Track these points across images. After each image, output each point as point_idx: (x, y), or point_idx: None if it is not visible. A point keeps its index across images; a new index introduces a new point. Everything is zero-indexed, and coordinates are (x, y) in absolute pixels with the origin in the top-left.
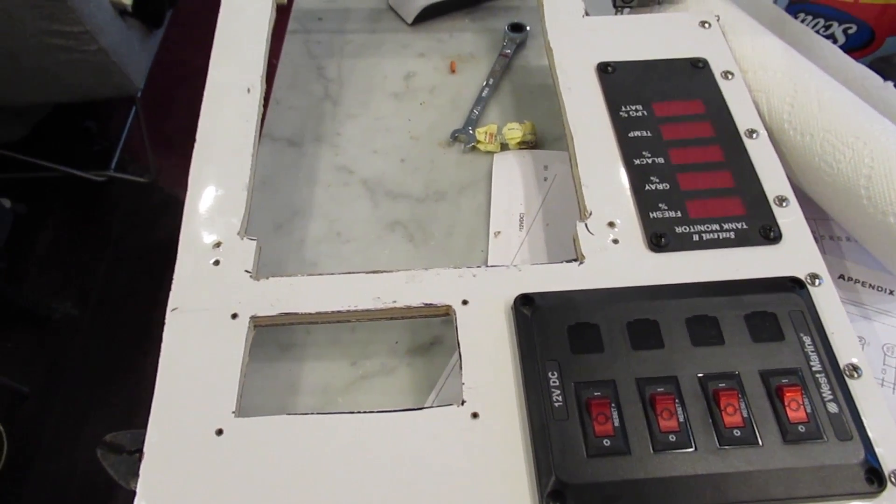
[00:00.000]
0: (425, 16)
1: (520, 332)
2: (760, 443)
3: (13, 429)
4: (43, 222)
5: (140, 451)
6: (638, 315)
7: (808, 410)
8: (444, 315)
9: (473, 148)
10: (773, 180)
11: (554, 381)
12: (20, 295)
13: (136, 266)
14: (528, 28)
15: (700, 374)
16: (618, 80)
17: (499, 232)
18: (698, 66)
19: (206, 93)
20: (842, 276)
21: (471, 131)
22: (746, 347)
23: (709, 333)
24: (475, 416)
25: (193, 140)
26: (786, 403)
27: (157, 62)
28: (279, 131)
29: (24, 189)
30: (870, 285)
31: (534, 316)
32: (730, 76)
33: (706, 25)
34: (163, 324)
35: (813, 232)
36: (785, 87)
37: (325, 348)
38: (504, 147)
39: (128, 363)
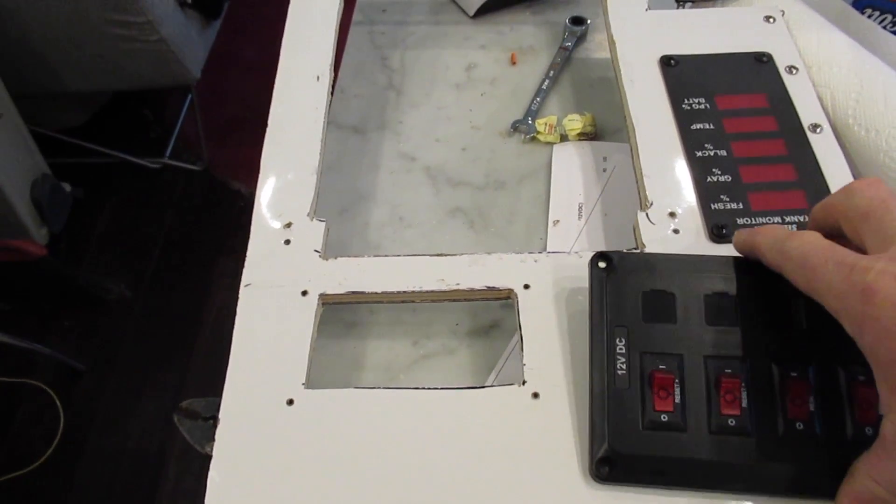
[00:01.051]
0: (486, 8)
1: (593, 291)
2: (820, 437)
3: (69, 403)
4: (100, 206)
5: (214, 418)
6: (718, 288)
7: None
8: (505, 298)
9: (533, 138)
10: (837, 175)
11: (621, 349)
12: (78, 276)
13: (188, 251)
14: (588, 21)
15: (772, 361)
16: (681, 73)
17: (558, 220)
18: (762, 61)
19: (277, 80)
20: None
21: (531, 122)
22: (826, 336)
23: (790, 316)
24: (536, 395)
25: (246, 130)
26: (859, 398)
27: (212, 53)
28: (344, 119)
29: (83, 173)
30: None
31: (609, 276)
32: (794, 71)
33: (771, 20)
34: (211, 306)
35: None
36: (850, 83)
37: (388, 328)
38: (563, 138)
39: (178, 344)
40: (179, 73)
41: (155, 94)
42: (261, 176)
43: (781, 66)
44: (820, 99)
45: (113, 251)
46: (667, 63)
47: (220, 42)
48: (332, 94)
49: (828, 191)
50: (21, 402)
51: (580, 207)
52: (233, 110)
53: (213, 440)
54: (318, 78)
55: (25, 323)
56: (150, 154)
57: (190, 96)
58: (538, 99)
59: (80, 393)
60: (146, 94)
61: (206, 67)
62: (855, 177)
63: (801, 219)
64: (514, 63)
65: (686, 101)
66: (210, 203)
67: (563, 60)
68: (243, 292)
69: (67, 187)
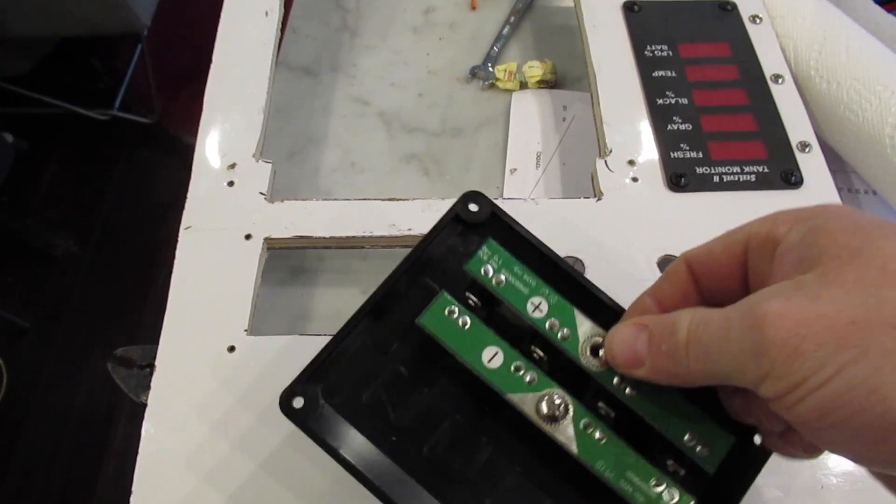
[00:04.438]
0: None
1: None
2: None
3: (13, 363)
4: (45, 158)
5: (150, 366)
6: None
7: None
8: None
9: (492, 85)
10: (797, 126)
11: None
12: (21, 230)
13: (138, 205)
14: None
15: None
16: (644, 19)
17: (515, 169)
18: (727, 9)
19: (223, 14)
20: None
21: (490, 68)
22: None
23: None
24: None
25: (199, 82)
26: None
27: (164, 2)
28: (295, 60)
29: (27, 124)
30: None
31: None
32: (758, 20)
33: None
34: (163, 263)
35: None
36: (813, 34)
37: (337, 275)
38: (523, 85)
39: (127, 301)
40: (128, 20)
41: (103, 42)
42: (204, 114)
43: (745, 15)
44: (783, 50)
45: (59, 205)
46: (630, 8)
47: None
48: (282, 32)
49: (787, 142)
50: None
51: (538, 156)
52: (186, 61)
53: (149, 388)
54: (266, 13)
55: None
56: (99, 105)
57: (140, 46)
58: (498, 45)
59: (25, 351)
60: (94, 43)
61: (157, 16)
62: (815, 128)
63: (760, 169)
64: (473, 8)
65: (649, 48)
66: (161, 157)
67: (525, 6)
68: (183, 235)
69: (10, 137)
